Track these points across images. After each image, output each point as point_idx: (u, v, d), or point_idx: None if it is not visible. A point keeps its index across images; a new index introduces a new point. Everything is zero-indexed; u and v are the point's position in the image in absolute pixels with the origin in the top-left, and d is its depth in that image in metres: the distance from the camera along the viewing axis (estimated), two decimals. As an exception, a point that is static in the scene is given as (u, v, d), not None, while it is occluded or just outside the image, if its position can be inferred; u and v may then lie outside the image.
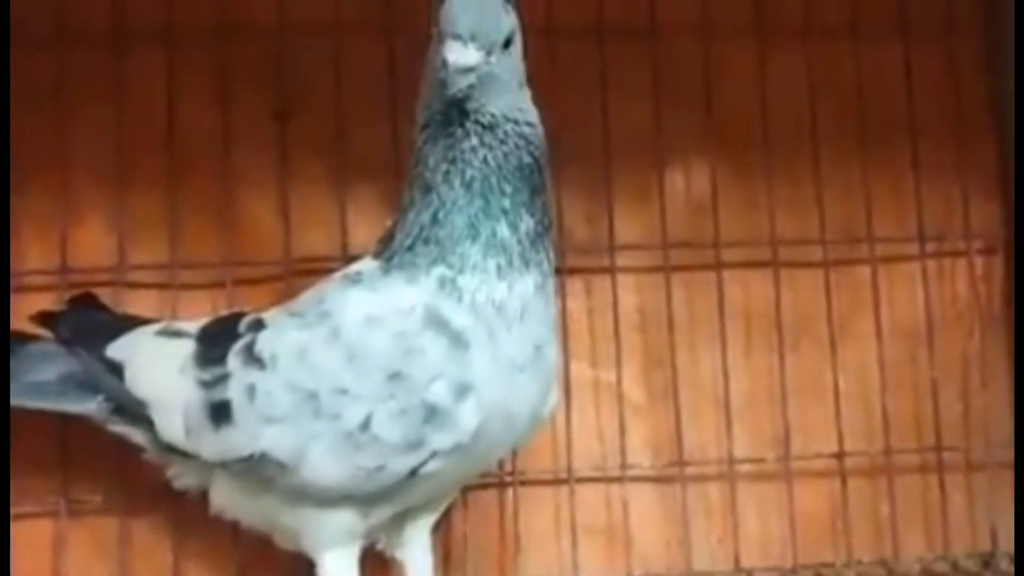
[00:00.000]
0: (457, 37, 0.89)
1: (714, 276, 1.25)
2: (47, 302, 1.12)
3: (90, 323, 1.06)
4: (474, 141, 0.93)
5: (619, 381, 1.23)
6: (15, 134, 1.15)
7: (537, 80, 1.20)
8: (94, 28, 1.20)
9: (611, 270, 1.24)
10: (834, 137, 1.29)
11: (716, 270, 1.25)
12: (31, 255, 1.17)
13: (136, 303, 1.16)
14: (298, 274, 1.16)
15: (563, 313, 1.21)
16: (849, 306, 1.28)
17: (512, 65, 0.95)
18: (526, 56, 0.98)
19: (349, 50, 1.22)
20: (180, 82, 1.20)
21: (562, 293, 1.21)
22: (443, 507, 1.07)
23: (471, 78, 0.90)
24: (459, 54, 0.89)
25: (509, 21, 0.93)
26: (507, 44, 0.93)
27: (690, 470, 1.23)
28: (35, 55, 1.18)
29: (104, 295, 1.13)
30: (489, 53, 0.91)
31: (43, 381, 1.03)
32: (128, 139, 1.19)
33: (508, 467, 1.20)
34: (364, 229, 1.17)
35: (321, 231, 1.20)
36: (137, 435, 1.03)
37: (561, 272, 1.20)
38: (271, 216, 1.21)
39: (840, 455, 1.25)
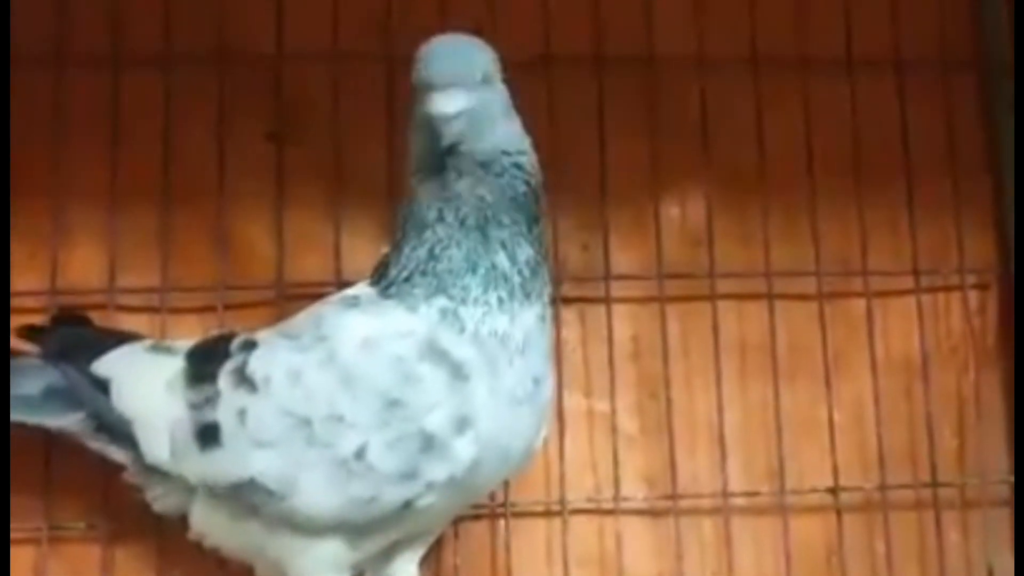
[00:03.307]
0: (438, 87, 0.86)
1: (709, 307, 1.20)
2: (36, 323, 1.05)
3: (77, 338, 1.00)
4: (469, 181, 0.89)
5: (613, 412, 1.18)
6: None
7: (534, 109, 1.17)
8: (92, 51, 1.15)
9: (606, 300, 1.19)
10: (829, 171, 1.25)
11: (711, 301, 1.20)
12: (21, 276, 1.11)
13: (126, 326, 1.09)
14: (291, 299, 1.11)
15: (557, 342, 1.16)
16: (844, 339, 1.23)
17: (498, 97, 0.91)
18: (510, 84, 0.94)
19: (346, 76, 1.18)
20: (177, 106, 1.16)
21: (557, 322, 1.17)
22: (432, 539, 1.01)
23: (462, 123, 0.86)
24: (443, 104, 0.85)
25: (485, 55, 0.90)
26: (488, 78, 0.89)
27: (684, 503, 1.18)
28: (32, 77, 1.14)
29: (94, 317, 1.08)
30: (473, 92, 0.87)
31: (26, 395, 0.96)
32: (123, 161, 1.14)
33: (500, 498, 1.14)
34: (358, 254, 1.12)
35: (315, 256, 1.15)
36: (119, 453, 0.97)
37: (556, 301, 1.16)
38: (265, 240, 1.16)
39: (835, 489, 1.20)
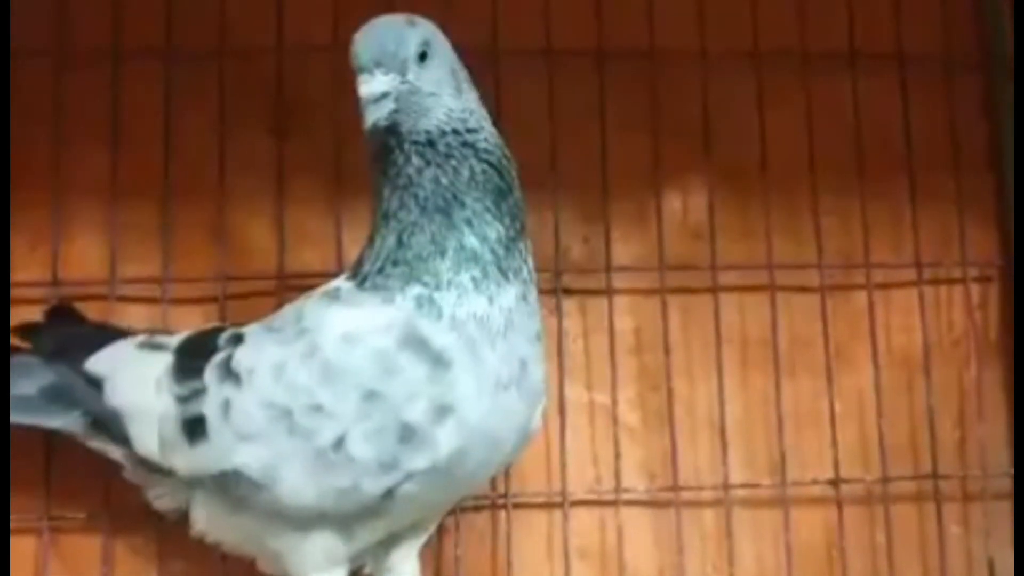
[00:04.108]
0: (362, 70, 0.86)
1: (710, 299, 1.19)
2: (37, 315, 1.05)
3: (71, 336, 0.99)
4: (417, 163, 0.88)
5: (614, 403, 1.17)
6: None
7: (536, 102, 1.19)
8: (92, 45, 1.15)
9: (608, 291, 1.18)
10: (832, 165, 1.24)
11: (712, 293, 1.19)
12: (23, 268, 1.11)
13: (127, 317, 1.09)
14: (291, 290, 1.09)
15: (558, 333, 1.16)
16: (846, 332, 1.22)
17: (438, 76, 0.89)
18: (465, 62, 0.93)
19: (347, 70, 1.14)
20: (177, 99, 1.15)
21: (558, 313, 1.17)
22: (431, 530, 1.00)
23: (388, 104, 0.85)
24: (366, 86, 0.85)
25: (418, 33, 0.88)
26: (423, 56, 0.88)
27: (685, 495, 1.17)
28: (33, 70, 1.13)
29: (95, 308, 1.08)
30: (403, 72, 0.86)
31: (24, 395, 0.96)
32: (123, 155, 1.13)
33: (501, 489, 1.13)
34: (358, 246, 1.08)
35: (315, 247, 1.14)
36: (115, 451, 0.97)
37: (557, 292, 1.16)
38: (265, 232, 1.15)
39: (836, 482, 1.18)
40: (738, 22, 1.24)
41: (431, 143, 0.88)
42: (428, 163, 0.88)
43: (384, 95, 0.85)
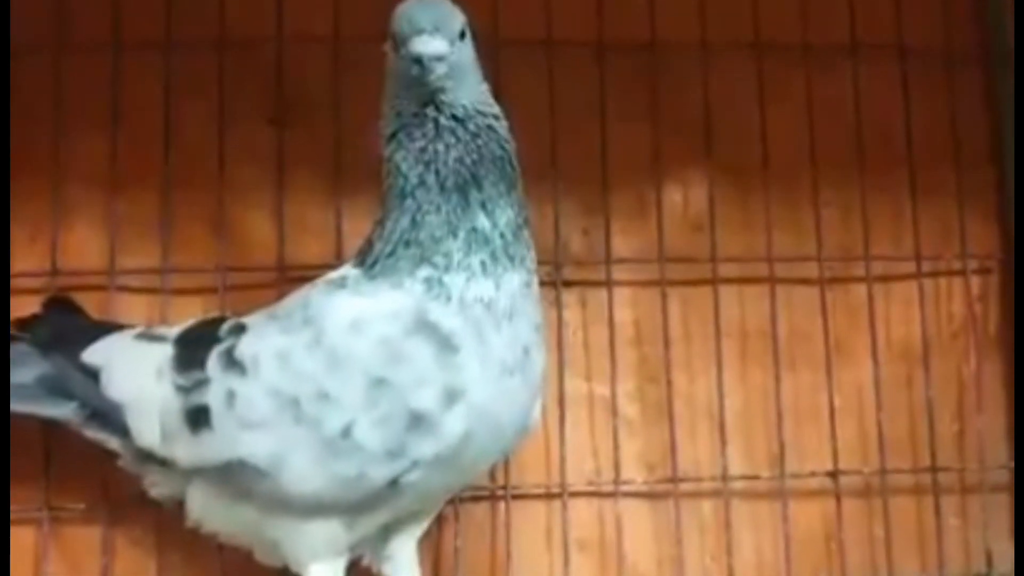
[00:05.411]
0: (422, 31, 0.85)
1: (710, 291, 1.18)
2: (36, 305, 1.04)
3: (68, 327, 0.99)
4: (448, 139, 0.88)
5: (614, 395, 1.16)
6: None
7: (536, 94, 1.18)
8: (92, 35, 1.14)
9: (607, 283, 1.17)
10: (832, 158, 1.23)
11: (712, 285, 1.18)
12: (23, 259, 1.10)
13: (126, 307, 1.09)
14: (291, 281, 1.09)
15: (558, 325, 1.16)
16: (845, 324, 1.21)
17: (471, 56, 0.91)
18: (480, 55, 0.93)
19: (347, 60, 1.15)
20: (177, 90, 1.14)
21: (558, 305, 1.16)
22: (430, 519, 1.00)
23: (444, 66, 0.86)
24: (429, 44, 0.85)
25: (460, 15, 0.89)
26: (462, 36, 0.89)
27: (684, 486, 1.16)
28: (33, 61, 1.12)
29: (94, 299, 1.07)
30: (452, 43, 0.87)
31: (20, 384, 0.95)
32: (123, 145, 1.13)
33: (500, 480, 1.13)
34: (358, 237, 1.08)
35: (315, 239, 1.14)
36: (112, 442, 0.96)
37: (557, 284, 1.16)
38: (266, 223, 1.14)
39: (835, 474, 1.18)
40: (739, 15, 1.23)
41: (464, 120, 0.88)
42: (458, 140, 0.88)
43: (443, 56, 0.85)
